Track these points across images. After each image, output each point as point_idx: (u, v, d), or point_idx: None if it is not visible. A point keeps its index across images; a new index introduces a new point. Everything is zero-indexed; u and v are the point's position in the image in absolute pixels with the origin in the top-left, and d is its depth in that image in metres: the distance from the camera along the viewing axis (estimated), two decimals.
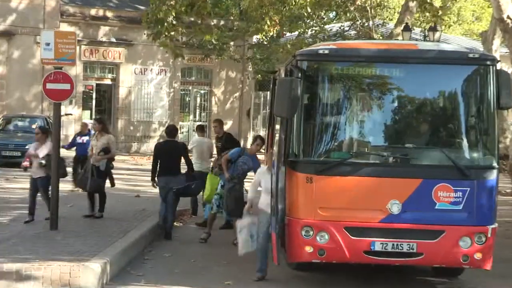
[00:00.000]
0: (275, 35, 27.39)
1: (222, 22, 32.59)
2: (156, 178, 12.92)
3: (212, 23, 28.96)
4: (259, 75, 33.45)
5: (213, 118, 34.40)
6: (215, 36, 27.76)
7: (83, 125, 18.84)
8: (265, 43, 32.07)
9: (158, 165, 12.95)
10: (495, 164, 9.40)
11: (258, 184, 10.29)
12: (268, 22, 22.86)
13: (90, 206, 13.60)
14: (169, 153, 12.89)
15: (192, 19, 21.85)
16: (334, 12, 33.69)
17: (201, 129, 15.18)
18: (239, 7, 33.08)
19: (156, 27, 19.77)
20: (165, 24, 19.64)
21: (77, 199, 15.87)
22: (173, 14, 19.44)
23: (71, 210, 14.17)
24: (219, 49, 31.22)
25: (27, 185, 14.43)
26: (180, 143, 13.77)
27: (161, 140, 15.24)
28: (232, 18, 33.86)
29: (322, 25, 32.06)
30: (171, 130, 13.48)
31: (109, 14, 31.98)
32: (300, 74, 9.27)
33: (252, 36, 30.05)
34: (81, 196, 16.61)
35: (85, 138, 16.80)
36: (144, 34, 20.95)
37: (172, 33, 21.16)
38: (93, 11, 31.52)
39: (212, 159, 14.23)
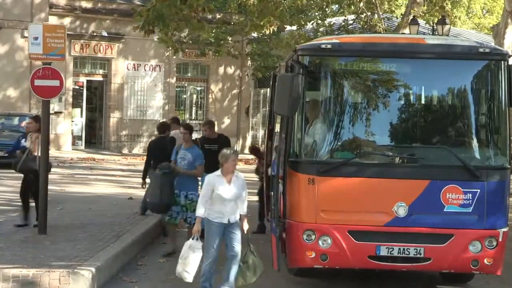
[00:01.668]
0: (275, 30, 27.36)
1: (219, 16, 32.57)
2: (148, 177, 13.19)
3: (209, 17, 28.94)
4: (259, 72, 33.43)
5: (210, 116, 34.63)
6: (211, 33, 27.73)
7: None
8: (265, 37, 32.04)
9: (151, 163, 13.21)
10: (506, 165, 9.40)
11: (210, 194, 9.30)
12: (269, 18, 22.81)
13: (23, 215, 12.84)
14: (159, 150, 13.20)
15: (185, 13, 21.82)
16: (337, 5, 33.64)
17: (176, 122, 15.19)
18: (237, 1, 33.08)
19: (158, 23, 19.70)
20: (167, 20, 19.57)
21: (67, 202, 15.90)
22: (175, 11, 19.38)
23: (60, 213, 14.17)
24: (217, 45, 31.20)
25: (16, 187, 14.48)
26: (168, 137, 14.00)
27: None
28: (230, 11, 33.83)
29: (324, 18, 32.08)
30: (159, 127, 14.01)
31: (100, 7, 31.97)
32: (301, 70, 9.27)
33: (250, 32, 30.02)
34: (71, 199, 16.65)
35: None
36: (138, 28, 20.86)
37: (173, 30, 21.19)
38: (83, 4, 31.50)
39: None
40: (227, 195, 9.30)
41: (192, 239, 9.37)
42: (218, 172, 9.42)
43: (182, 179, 11.83)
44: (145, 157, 14.46)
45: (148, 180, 13.24)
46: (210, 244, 9.36)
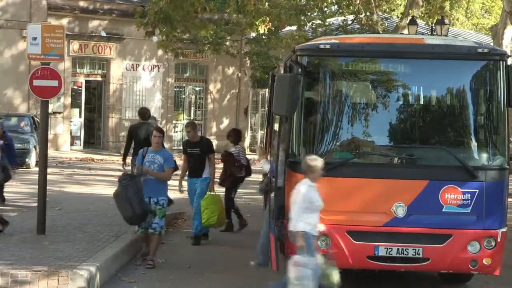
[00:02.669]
0: (272, 29, 27.38)
1: (217, 16, 32.55)
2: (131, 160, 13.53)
3: (207, 17, 28.95)
4: (257, 73, 33.38)
5: (209, 117, 34.67)
6: (210, 31, 27.72)
7: None
8: (263, 37, 32.02)
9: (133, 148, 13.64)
10: (505, 165, 9.40)
11: (307, 202, 8.63)
12: (264, 18, 22.81)
13: None
14: (141, 134, 13.43)
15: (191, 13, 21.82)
16: (336, 6, 33.64)
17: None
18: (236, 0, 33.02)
19: (165, 25, 19.60)
20: (175, 22, 19.47)
21: (65, 202, 15.89)
22: (183, 14, 19.29)
23: (59, 214, 14.16)
24: (215, 44, 31.19)
25: (12, 187, 14.47)
26: (152, 124, 14.19)
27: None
28: (228, 11, 33.79)
29: (324, 19, 32.09)
30: (141, 113, 14.42)
31: (99, 7, 31.95)
32: (300, 70, 9.27)
33: (245, 31, 30.02)
34: (69, 199, 16.65)
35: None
36: (141, 26, 20.77)
37: (180, 32, 21.14)
38: (82, 4, 31.48)
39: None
40: (321, 205, 8.76)
41: (300, 255, 8.57)
42: (309, 181, 8.69)
43: (153, 184, 11.07)
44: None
45: (128, 161, 13.48)
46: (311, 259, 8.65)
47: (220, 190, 13.85)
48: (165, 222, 11.82)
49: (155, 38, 23.08)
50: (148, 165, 11.17)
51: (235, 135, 14.57)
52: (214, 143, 15.95)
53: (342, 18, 33.74)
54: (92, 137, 33.25)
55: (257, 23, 23.04)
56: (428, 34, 29.52)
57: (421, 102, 9.88)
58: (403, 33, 24.63)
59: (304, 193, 8.61)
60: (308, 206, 8.61)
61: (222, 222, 13.27)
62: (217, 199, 12.90)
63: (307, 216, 8.62)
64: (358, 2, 28.72)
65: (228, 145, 15.36)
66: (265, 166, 11.16)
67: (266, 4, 23.23)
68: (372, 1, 28.50)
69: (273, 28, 26.61)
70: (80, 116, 32.08)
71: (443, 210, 9.18)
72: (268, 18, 22.79)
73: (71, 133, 31.54)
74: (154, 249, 11.26)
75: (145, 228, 11.18)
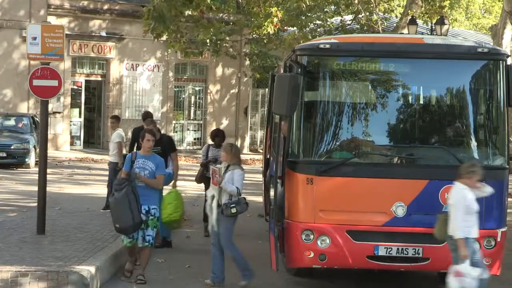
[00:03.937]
0: (276, 31, 27.42)
1: (217, 16, 32.54)
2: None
3: (211, 16, 28.97)
4: (257, 73, 33.34)
5: (209, 117, 34.65)
6: (211, 33, 27.73)
7: None
8: (263, 37, 31.99)
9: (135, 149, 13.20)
10: (505, 165, 9.41)
11: (467, 206, 8.46)
12: (273, 19, 22.86)
13: None
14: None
15: (189, 13, 21.82)
16: (334, 6, 33.62)
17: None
18: (236, 1, 33.02)
19: (160, 24, 19.59)
20: (168, 21, 19.44)
21: (65, 202, 15.89)
22: (175, 13, 19.25)
23: (58, 214, 14.16)
24: (214, 45, 31.16)
25: (12, 187, 14.48)
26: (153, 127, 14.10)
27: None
28: (229, 11, 33.78)
29: (325, 18, 32.06)
30: (145, 116, 14.05)
31: (99, 6, 31.94)
32: (300, 70, 9.28)
33: (252, 32, 29.98)
34: (69, 199, 16.65)
35: None
36: (147, 32, 20.71)
37: (172, 32, 21.11)
38: (82, 3, 31.47)
39: None
40: (477, 207, 8.60)
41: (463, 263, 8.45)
42: (463, 185, 8.54)
43: (143, 191, 10.13)
44: None
45: None
46: None
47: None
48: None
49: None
50: (138, 172, 10.23)
51: (223, 136, 14.08)
52: None
53: (341, 18, 33.72)
54: (92, 137, 33.23)
55: (265, 24, 23.11)
56: (428, 34, 29.52)
57: (421, 102, 9.88)
58: (402, 33, 24.62)
59: (464, 197, 8.48)
60: (467, 210, 8.48)
61: (182, 221, 12.63)
62: (180, 197, 12.08)
63: (467, 220, 8.47)
64: (357, 1, 28.74)
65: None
66: (229, 187, 9.89)
67: (273, 3, 23.30)
68: (372, 0, 28.51)
69: (276, 31, 26.69)
70: (80, 116, 32.06)
71: (443, 210, 9.16)
72: (276, 19, 22.88)
73: (70, 133, 31.52)
74: (146, 263, 10.41)
75: (134, 238, 10.26)
